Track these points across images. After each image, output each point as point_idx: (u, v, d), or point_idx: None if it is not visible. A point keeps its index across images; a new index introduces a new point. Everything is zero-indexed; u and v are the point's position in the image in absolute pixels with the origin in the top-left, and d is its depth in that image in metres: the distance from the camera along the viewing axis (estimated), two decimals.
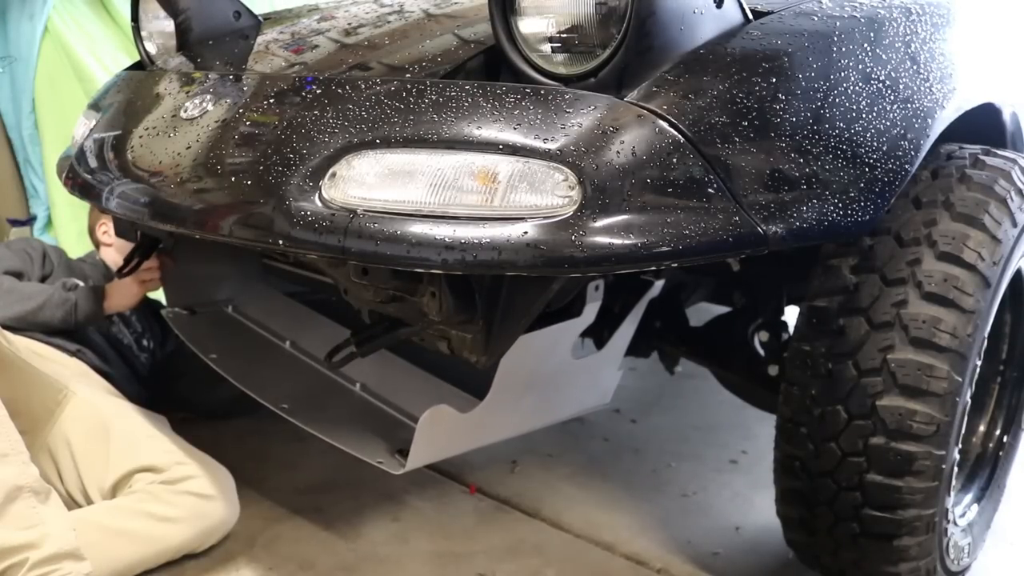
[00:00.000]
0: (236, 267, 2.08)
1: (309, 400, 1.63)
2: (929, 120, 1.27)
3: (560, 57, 1.14)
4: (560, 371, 1.62)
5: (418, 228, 1.03)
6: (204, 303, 2.05)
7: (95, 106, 1.74)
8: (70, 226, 2.91)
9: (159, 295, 2.11)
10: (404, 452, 1.43)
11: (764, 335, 1.79)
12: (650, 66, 1.09)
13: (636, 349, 1.94)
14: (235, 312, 2.03)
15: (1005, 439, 1.67)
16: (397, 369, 1.72)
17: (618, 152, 1.02)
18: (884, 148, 1.19)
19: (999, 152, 1.39)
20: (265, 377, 1.72)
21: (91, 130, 1.63)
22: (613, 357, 1.75)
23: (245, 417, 2.07)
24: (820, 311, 1.29)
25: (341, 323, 1.79)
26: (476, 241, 1.00)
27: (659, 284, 1.73)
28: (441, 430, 1.45)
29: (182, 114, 1.41)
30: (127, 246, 2.00)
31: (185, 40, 1.75)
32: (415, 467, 1.44)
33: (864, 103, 1.18)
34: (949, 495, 1.36)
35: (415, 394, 1.63)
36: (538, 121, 1.06)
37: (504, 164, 1.04)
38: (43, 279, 1.94)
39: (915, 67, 1.27)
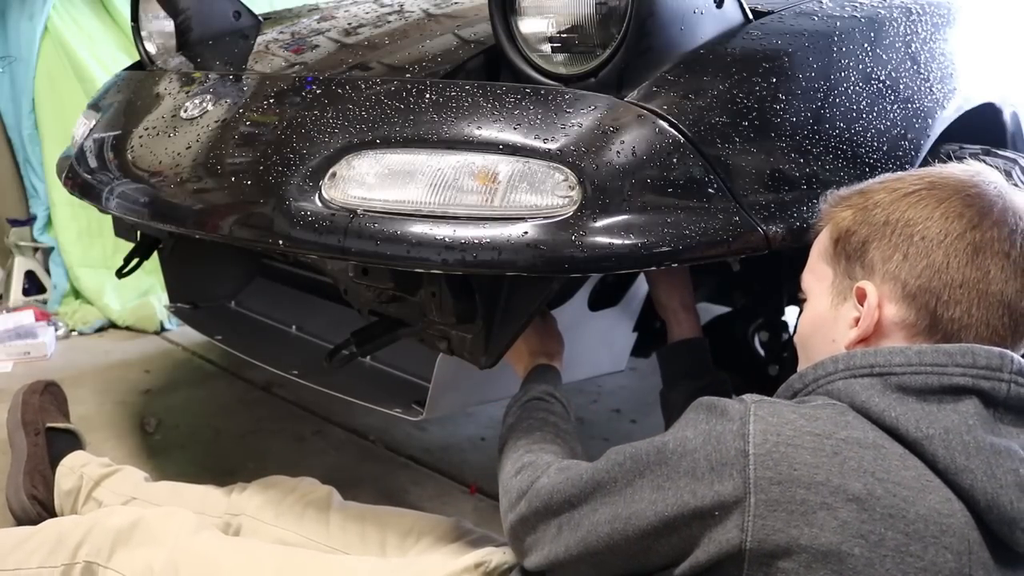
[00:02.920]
0: (237, 266, 2.09)
1: (319, 368, 1.60)
2: (929, 120, 1.27)
3: (560, 57, 1.14)
4: (576, 323, 1.59)
5: (418, 228, 1.03)
6: (206, 300, 2.05)
7: (95, 106, 1.74)
8: (70, 226, 2.91)
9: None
10: (421, 403, 1.44)
11: (764, 335, 1.78)
12: (650, 66, 1.09)
13: (636, 349, 1.93)
14: (238, 307, 2.04)
15: None
16: (407, 343, 1.71)
17: (618, 152, 1.02)
18: (884, 148, 1.19)
19: (1000, 152, 1.39)
20: (273, 352, 1.73)
21: (91, 130, 1.63)
22: (628, 314, 1.73)
23: (246, 416, 2.08)
24: None
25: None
26: (476, 241, 1.00)
27: None
28: (457, 377, 1.45)
29: (182, 114, 1.41)
30: None
31: (185, 40, 1.76)
32: (432, 416, 1.44)
33: (864, 103, 1.18)
34: None
35: (427, 361, 1.59)
36: (538, 121, 1.06)
37: (504, 164, 1.04)
38: None
39: (915, 67, 1.27)
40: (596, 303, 1.63)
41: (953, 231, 0.83)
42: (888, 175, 0.93)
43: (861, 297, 0.87)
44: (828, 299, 0.92)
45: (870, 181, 0.93)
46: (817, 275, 0.96)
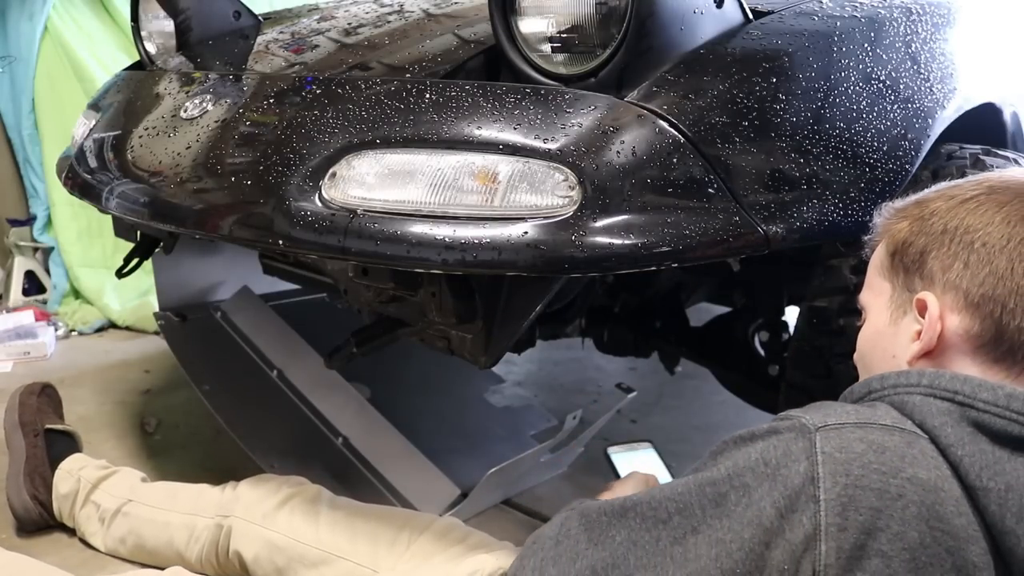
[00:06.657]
0: (229, 270, 2.11)
1: (295, 452, 1.68)
2: (929, 120, 1.27)
3: (560, 57, 1.14)
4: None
5: (418, 228, 1.03)
6: (195, 306, 2.07)
7: (95, 106, 1.74)
8: (70, 226, 2.92)
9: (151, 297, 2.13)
10: None
11: (764, 335, 1.79)
12: (650, 66, 1.09)
13: (636, 349, 1.94)
14: (223, 320, 2.05)
15: None
16: (382, 430, 1.79)
17: (618, 152, 1.02)
18: (884, 148, 1.19)
19: (999, 152, 1.38)
20: (254, 421, 1.76)
21: (91, 130, 1.63)
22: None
23: None
24: (820, 311, 1.29)
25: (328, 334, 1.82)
26: (476, 241, 1.00)
27: None
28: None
29: (182, 114, 1.41)
30: None
31: (185, 40, 1.76)
32: None
33: (864, 103, 1.18)
34: None
35: (394, 462, 1.72)
36: (538, 121, 1.06)
37: (504, 164, 1.04)
38: None
39: (915, 67, 1.27)
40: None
41: (1016, 235, 0.80)
42: (944, 184, 0.91)
43: (922, 309, 0.84)
44: (887, 314, 0.89)
45: (925, 191, 0.90)
46: (875, 291, 0.92)
